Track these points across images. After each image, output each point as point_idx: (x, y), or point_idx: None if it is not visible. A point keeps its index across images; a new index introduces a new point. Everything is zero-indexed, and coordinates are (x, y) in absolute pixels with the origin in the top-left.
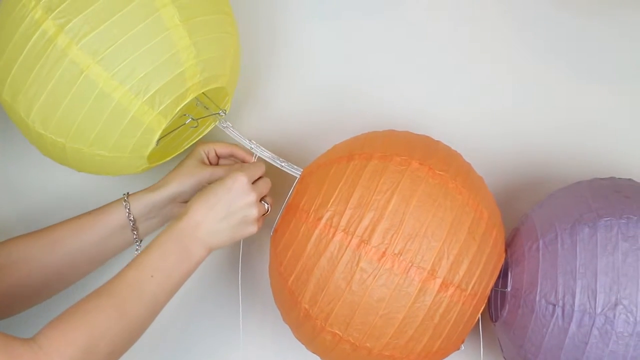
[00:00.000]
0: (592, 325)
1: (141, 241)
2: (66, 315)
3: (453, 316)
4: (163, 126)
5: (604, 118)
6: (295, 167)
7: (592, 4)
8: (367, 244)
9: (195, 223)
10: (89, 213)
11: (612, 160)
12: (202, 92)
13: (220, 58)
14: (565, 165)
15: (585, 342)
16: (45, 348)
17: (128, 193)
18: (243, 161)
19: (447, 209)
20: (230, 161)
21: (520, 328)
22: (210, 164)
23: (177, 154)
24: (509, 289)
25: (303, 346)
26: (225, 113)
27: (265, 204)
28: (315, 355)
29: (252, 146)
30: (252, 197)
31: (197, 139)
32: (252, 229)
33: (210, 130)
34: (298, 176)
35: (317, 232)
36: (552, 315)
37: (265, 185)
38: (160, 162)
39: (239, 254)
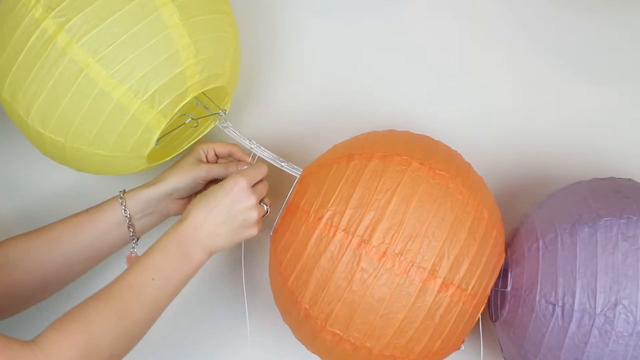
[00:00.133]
0: (592, 325)
1: (137, 239)
2: (67, 317)
3: (453, 316)
4: (163, 125)
5: (604, 118)
6: (295, 167)
7: (592, 4)
8: (367, 243)
9: (196, 226)
10: (86, 211)
11: (612, 161)
12: (202, 92)
13: (220, 57)
14: (565, 165)
15: (585, 341)
16: (46, 350)
17: (124, 190)
18: (239, 160)
19: (448, 209)
20: (228, 161)
21: (520, 328)
22: (209, 163)
23: (176, 153)
24: (509, 288)
25: (303, 346)
26: (225, 113)
27: (265, 206)
28: (315, 355)
29: (252, 146)
30: (252, 200)
31: (196, 139)
32: (253, 231)
33: (210, 130)
34: (298, 176)
35: (317, 232)
36: (552, 315)
37: (264, 188)
38: (160, 162)
39: (239, 254)
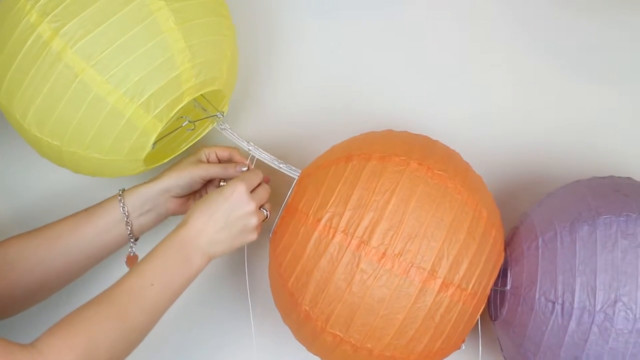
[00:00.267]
0: (592, 322)
1: (136, 240)
2: (66, 321)
3: (453, 316)
4: (158, 130)
5: (604, 118)
6: (294, 168)
7: (592, 4)
8: (366, 244)
9: (196, 232)
10: (85, 210)
11: (612, 160)
12: (200, 94)
13: (216, 61)
14: (564, 164)
15: (585, 339)
16: (45, 354)
17: (124, 189)
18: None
19: (447, 209)
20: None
21: (519, 326)
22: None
23: (174, 155)
24: (508, 287)
25: (304, 347)
26: (223, 115)
27: (265, 211)
28: (316, 356)
29: (250, 148)
30: (251, 206)
31: (194, 141)
32: (252, 236)
33: (208, 132)
34: (296, 177)
35: (316, 233)
36: (552, 313)
37: (264, 193)
38: (158, 164)
39: (240, 256)
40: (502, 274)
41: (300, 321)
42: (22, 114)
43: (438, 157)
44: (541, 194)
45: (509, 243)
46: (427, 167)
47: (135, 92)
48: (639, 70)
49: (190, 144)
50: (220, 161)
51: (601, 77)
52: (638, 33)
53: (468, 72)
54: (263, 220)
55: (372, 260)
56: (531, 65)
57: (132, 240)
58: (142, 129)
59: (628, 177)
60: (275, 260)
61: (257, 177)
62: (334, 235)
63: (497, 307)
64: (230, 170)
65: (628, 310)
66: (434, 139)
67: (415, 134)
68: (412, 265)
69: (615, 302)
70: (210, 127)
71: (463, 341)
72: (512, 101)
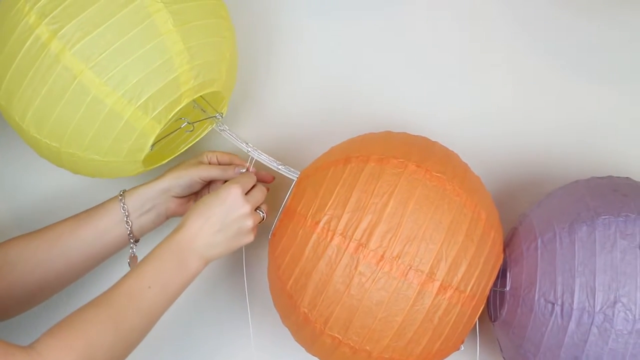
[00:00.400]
0: (591, 323)
1: (137, 241)
2: (65, 323)
3: (452, 318)
4: (157, 131)
5: (604, 118)
6: (293, 170)
7: (592, 4)
8: (365, 247)
9: (192, 235)
10: (86, 211)
11: (612, 161)
12: (199, 96)
13: (215, 62)
14: (564, 165)
15: (585, 340)
16: (45, 355)
17: (125, 190)
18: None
19: (445, 211)
20: None
21: (519, 327)
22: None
23: (173, 156)
24: (507, 288)
25: (303, 349)
26: (222, 116)
27: (261, 213)
28: (315, 358)
29: (249, 149)
30: (247, 208)
31: (193, 142)
32: (248, 238)
33: (207, 133)
34: (295, 179)
35: (315, 236)
36: (551, 314)
37: (260, 194)
38: (157, 165)
39: (238, 257)
40: (502, 274)
41: (299, 323)
42: (21, 115)
43: (436, 158)
44: (540, 195)
45: (508, 244)
46: (426, 169)
47: (134, 93)
48: (639, 70)
49: (189, 145)
50: (220, 165)
51: (601, 77)
52: (638, 33)
53: (468, 72)
54: (259, 222)
55: (370, 263)
56: (531, 65)
57: (132, 241)
58: (141, 130)
59: (627, 177)
60: (274, 262)
61: (251, 180)
62: (332, 238)
63: (496, 308)
64: (229, 172)
65: (627, 311)
66: (434, 139)
67: (414, 135)
68: (410, 268)
69: (615, 302)
70: (209, 129)
71: (462, 342)
72: (512, 101)
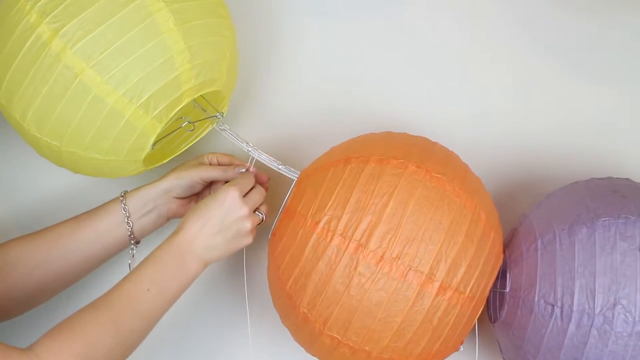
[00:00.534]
0: (591, 325)
1: (138, 243)
2: (64, 326)
3: (452, 319)
4: (158, 130)
5: (604, 118)
6: (293, 169)
7: (592, 4)
8: (364, 248)
9: (191, 238)
10: (86, 212)
11: (612, 161)
12: (200, 95)
13: (216, 62)
14: (564, 165)
15: (584, 342)
16: (43, 358)
17: (126, 191)
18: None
19: (445, 212)
20: None
21: (519, 329)
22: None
23: (174, 156)
24: (507, 289)
25: (303, 349)
26: (222, 115)
27: (260, 214)
28: (315, 358)
29: (250, 149)
30: (245, 210)
31: (194, 142)
32: (247, 240)
33: (207, 133)
34: (295, 179)
35: (314, 236)
36: (551, 316)
37: (258, 195)
38: (158, 165)
39: (239, 257)
40: (501, 275)
41: (299, 323)
42: (22, 114)
43: (437, 159)
44: (540, 195)
45: (508, 245)
46: (426, 169)
47: (135, 92)
48: (639, 70)
49: (190, 144)
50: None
51: (601, 77)
52: (638, 33)
53: (468, 72)
54: (259, 224)
55: (370, 264)
56: (531, 65)
57: (132, 242)
58: (142, 129)
59: (626, 178)
60: (274, 262)
61: (250, 181)
62: (332, 238)
63: (496, 309)
64: (229, 172)
65: (627, 313)
66: (434, 140)
67: (414, 136)
68: (410, 269)
69: (615, 304)
70: (209, 128)
71: (461, 343)
72: (512, 101)
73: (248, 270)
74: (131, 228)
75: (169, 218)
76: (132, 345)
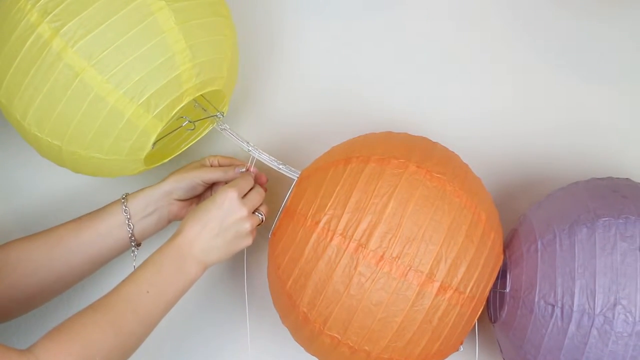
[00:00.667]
0: (592, 325)
1: (139, 245)
2: (63, 327)
3: (451, 319)
4: (159, 130)
5: (604, 118)
6: (293, 169)
7: (592, 4)
8: (364, 247)
9: (190, 240)
10: (88, 214)
11: (612, 161)
12: (200, 94)
13: (216, 61)
14: (564, 165)
15: (585, 342)
16: (42, 359)
17: (127, 193)
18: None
19: (445, 212)
20: None
21: (519, 329)
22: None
23: (174, 155)
24: (507, 290)
25: (302, 349)
26: (223, 115)
27: (259, 215)
28: (314, 357)
29: (250, 148)
30: (243, 211)
31: (195, 141)
32: (247, 241)
33: (208, 132)
34: (296, 179)
35: (314, 236)
36: (551, 316)
37: (257, 196)
38: (158, 164)
39: (239, 257)
40: (502, 275)
41: (299, 323)
42: (23, 113)
43: (437, 159)
44: (540, 195)
45: (508, 245)
46: (426, 169)
47: (136, 91)
48: (639, 70)
49: (190, 144)
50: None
51: (601, 77)
52: (638, 33)
53: (468, 73)
54: (258, 224)
55: (370, 263)
56: (531, 65)
57: (133, 244)
58: (142, 128)
59: (626, 178)
60: (274, 262)
61: (248, 182)
62: (332, 238)
63: (496, 309)
64: (230, 173)
65: (627, 313)
66: (434, 139)
67: (414, 136)
68: (410, 269)
69: (615, 305)
70: (210, 127)
71: (461, 343)
72: (512, 101)
73: (248, 270)
74: (132, 230)
75: (170, 220)
76: (131, 347)
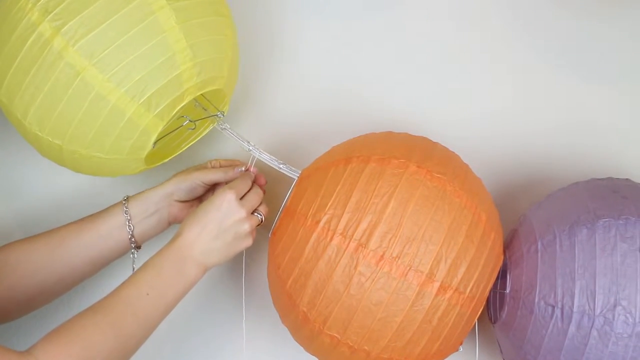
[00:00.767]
0: (592, 326)
1: (139, 247)
2: (63, 329)
3: (451, 319)
4: (159, 129)
5: (604, 118)
6: (294, 169)
7: (592, 4)
8: (365, 247)
9: (190, 243)
10: (89, 216)
11: (612, 161)
12: (201, 94)
13: (217, 60)
14: (564, 165)
15: (585, 343)
16: None
17: (128, 195)
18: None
19: (445, 212)
20: None
21: (519, 329)
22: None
23: (175, 155)
24: (507, 290)
25: (302, 348)
26: (223, 114)
27: (258, 215)
28: (314, 357)
29: (251, 148)
30: (242, 213)
31: (195, 140)
32: (246, 243)
33: (209, 132)
34: (296, 178)
35: (315, 235)
36: (551, 317)
37: (255, 197)
38: (159, 163)
39: (239, 256)
40: (502, 276)
41: (299, 322)
42: (23, 112)
43: (437, 159)
44: (540, 195)
45: (508, 245)
46: (426, 169)
47: (137, 91)
48: (639, 70)
49: (191, 143)
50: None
51: (601, 77)
52: (638, 33)
53: (468, 73)
54: (258, 225)
55: (370, 263)
56: (531, 65)
57: (133, 246)
58: (143, 128)
59: (626, 179)
60: (274, 262)
61: (246, 183)
62: (332, 238)
63: (496, 310)
64: (230, 173)
65: (628, 314)
66: (434, 139)
67: (415, 136)
68: (410, 268)
69: (615, 305)
70: (210, 127)
71: (461, 343)
72: (512, 101)
73: (248, 270)
74: (132, 231)
75: (170, 222)
76: (130, 349)
